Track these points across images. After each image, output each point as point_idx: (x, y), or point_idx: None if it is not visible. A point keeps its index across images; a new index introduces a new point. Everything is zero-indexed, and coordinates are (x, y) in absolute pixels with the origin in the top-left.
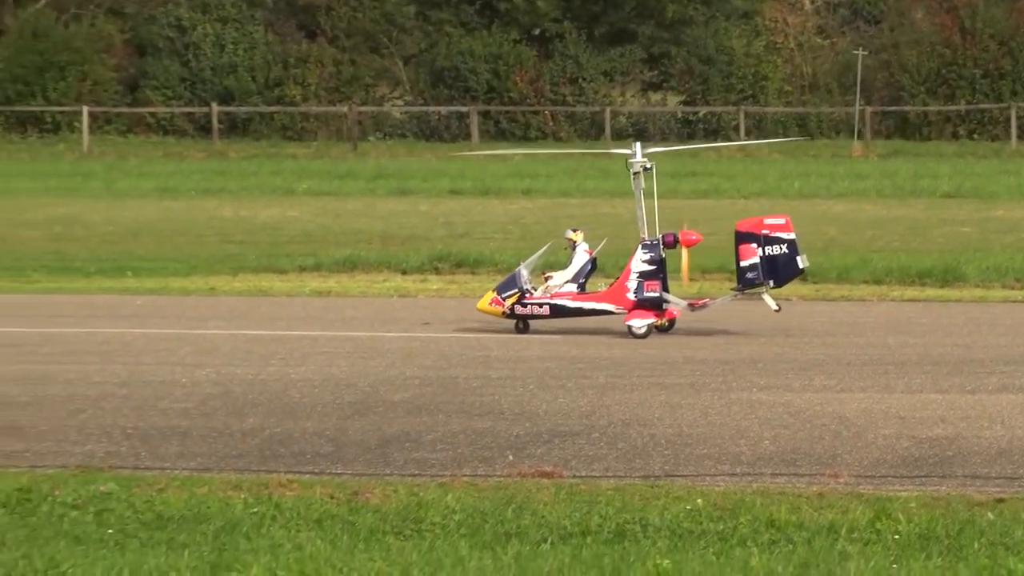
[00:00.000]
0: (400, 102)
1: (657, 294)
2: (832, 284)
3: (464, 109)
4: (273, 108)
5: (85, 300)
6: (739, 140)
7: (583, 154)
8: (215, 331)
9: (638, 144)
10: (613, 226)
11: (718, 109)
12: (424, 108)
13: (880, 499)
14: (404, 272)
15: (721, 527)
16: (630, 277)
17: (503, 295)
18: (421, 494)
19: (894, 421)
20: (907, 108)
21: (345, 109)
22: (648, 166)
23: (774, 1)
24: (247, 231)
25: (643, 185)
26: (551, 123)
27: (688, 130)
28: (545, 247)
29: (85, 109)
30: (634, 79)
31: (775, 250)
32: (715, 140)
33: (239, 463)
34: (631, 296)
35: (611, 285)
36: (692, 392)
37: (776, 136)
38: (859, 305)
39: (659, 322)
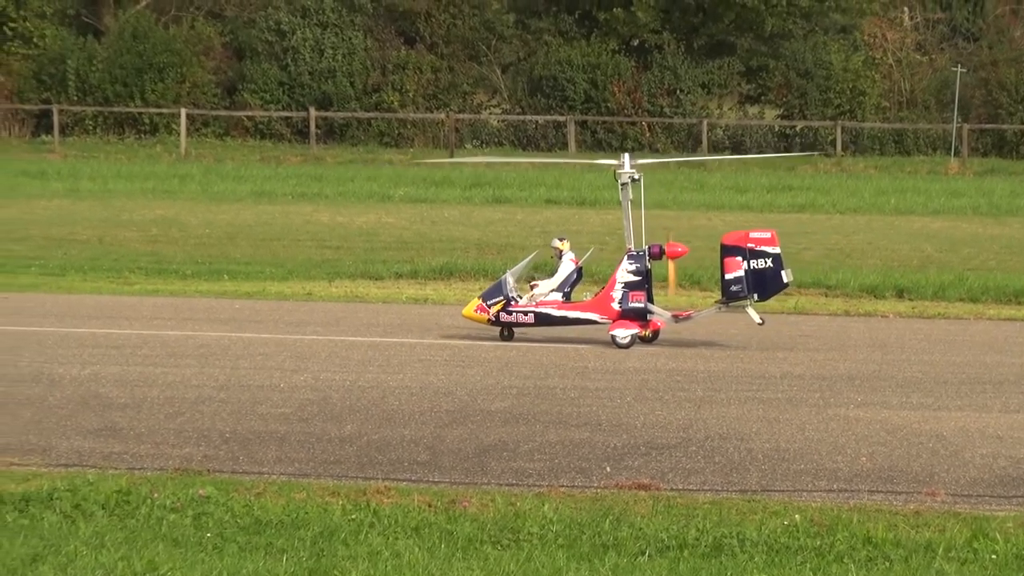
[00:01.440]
0: (497, 110)
1: (642, 305)
2: (928, 302)
3: (561, 118)
4: (371, 114)
5: (183, 303)
6: (836, 155)
7: (591, 165)
8: (312, 336)
9: (627, 155)
10: (709, 238)
11: (815, 123)
12: (521, 117)
13: (977, 518)
14: None
15: (818, 543)
16: (615, 287)
17: (488, 302)
18: (518, 504)
19: (991, 440)
20: (1004, 126)
21: (442, 116)
22: (636, 177)
23: (873, 17)
24: (343, 237)
25: (631, 196)
26: (648, 134)
27: (785, 144)
28: (531, 255)
29: (183, 111)
30: (732, 92)
31: (760, 264)
32: (812, 154)
33: (337, 469)
34: (616, 306)
35: (596, 295)
36: (790, 407)
37: (872, 153)
38: (956, 323)
39: (643, 333)
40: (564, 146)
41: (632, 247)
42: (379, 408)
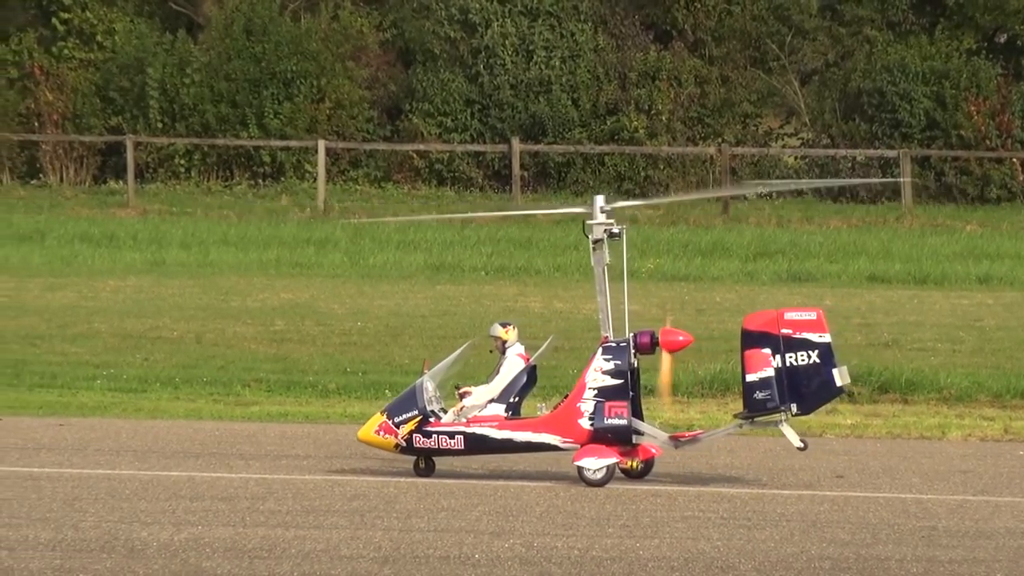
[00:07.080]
0: (795, 141)
1: (624, 421)
2: None
3: (891, 153)
4: (603, 148)
5: (325, 432)
6: None
7: (550, 215)
8: (521, 482)
9: (599, 198)
10: None
11: None
12: (830, 151)
13: None
14: None
15: None
16: (584, 395)
17: (396, 420)
18: None
19: None
20: None
21: (712, 151)
22: (616, 231)
23: None
24: (564, 331)
25: (607, 259)
26: (1021, 177)
27: None
28: (461, 348)
29: (322, 144)
30: None
31: (800, 359)
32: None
33: None
34: (585, 424)
35: (556, 407)
36: None
37: None
38: None
39: (627, 463)
40: (895, 194)
41: (610, 335)
42: None
